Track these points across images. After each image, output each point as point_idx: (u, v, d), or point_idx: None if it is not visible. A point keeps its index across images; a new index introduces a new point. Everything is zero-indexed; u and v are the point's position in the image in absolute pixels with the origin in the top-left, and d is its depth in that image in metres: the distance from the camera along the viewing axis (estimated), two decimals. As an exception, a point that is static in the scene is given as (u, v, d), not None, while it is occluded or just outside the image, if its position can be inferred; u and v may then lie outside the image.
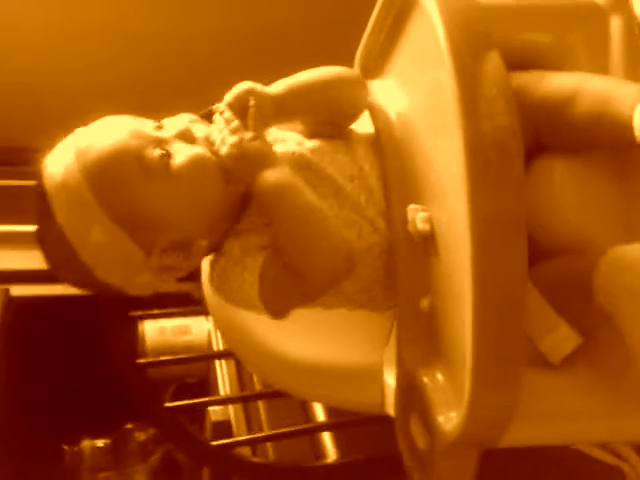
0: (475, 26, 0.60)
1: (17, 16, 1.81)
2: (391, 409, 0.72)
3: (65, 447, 1.70)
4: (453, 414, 0.59)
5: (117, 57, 1.93)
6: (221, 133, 0.67)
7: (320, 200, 0.67)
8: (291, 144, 0.72)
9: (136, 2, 1.87)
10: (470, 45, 0.58)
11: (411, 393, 0.65)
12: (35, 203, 0.68)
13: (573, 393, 0.66)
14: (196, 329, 1.65)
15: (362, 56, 0.80)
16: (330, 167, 0.70)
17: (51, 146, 0.70)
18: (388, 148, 0.69)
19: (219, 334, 1.46)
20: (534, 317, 0.64)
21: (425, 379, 0.63)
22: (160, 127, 0.69)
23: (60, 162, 0.67)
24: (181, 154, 0.67)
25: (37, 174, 0.68)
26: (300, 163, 0.70)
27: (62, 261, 0.68)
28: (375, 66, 0.78)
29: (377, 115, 0.72)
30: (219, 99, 0.70)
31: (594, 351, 0.65)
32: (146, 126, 0.69)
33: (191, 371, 1.67)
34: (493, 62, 0.57)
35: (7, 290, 1.63)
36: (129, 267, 0.68)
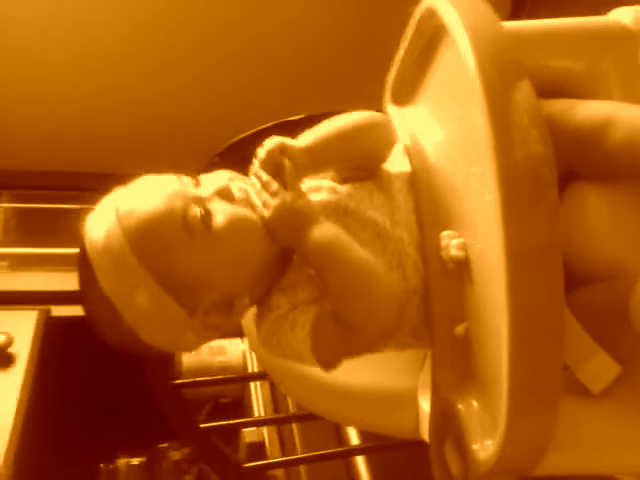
0: (505, 55, 0.60)
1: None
2: (425, 435, 0.72)
3: (101, 465, 1.72)
4: (488, 442, 0.59)
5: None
6: (261, 195, 0.68)
7: (364, 247, 0.67)
8: (325, 193, 0.72)
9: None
10: (501, 75, 0.58)
11: (446, 419, 0.65)
12: (78, 267, 0.68)
13: (611, 423, 0.65)
14: (231, 350, 1.66)
15: (394, 83, 0.81)
16: (369, 210, 0.70)
17: (91, 204, 0.70)
18: (421, 177, 0.69)
19: (254, 355, 1.47)
20: (572, 345, 0.63)
21: (460, 406, 0.63)
22: (198, 184, 0.70)
23: (102, 225, 0.67)
24: (222, 214, 0.67)
25: (79, 237, 0.68)
26: (337, 211, 0.70)
27: (105, 323, 0.68)
28: (406, 93, 0.79)
29: (410, 144, 0.72)
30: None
31: (633, 380, 0.64)
32: (185, 184, 0.69)
33: (226, 391, 1.69)
34: (524, 91, 0.57)
35: (48, 310, 1.67)
36: (173, 328, 0.68)
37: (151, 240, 0.65)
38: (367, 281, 0.65)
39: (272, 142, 0.68)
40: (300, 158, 0.68)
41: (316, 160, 0.69)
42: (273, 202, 0.67)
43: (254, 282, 0.70)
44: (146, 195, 0.67)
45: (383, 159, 0.75)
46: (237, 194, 0.70)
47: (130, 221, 0.66)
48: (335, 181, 0.75)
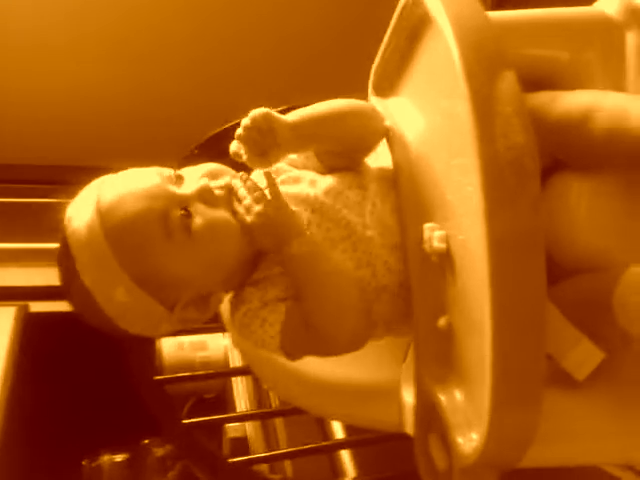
0: (489, 45, 0.59)
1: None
2: (409, 428, 0.72)
3: (84, 462, 1.70)
4: (473, 435, 0.59)
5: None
6: (245, 201, 0.68)
7: (334, 245, 0.69)
8: (305, 186, 0.72)
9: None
10: (484, 65, 0.58)
11: (429, 412, 0.65)
12: (59, 258, 0.69)
13: (595, 414, 0.65)
14: (213, 345, 1.65)
15: (376, 74, 0.80)
16: (344, 209, 0.70)
17: (73, 191, 0.70)
18: (403, 169, 0.69)
19: (236, 351, 1.46)
20: (555, 335, 0.63)
21: (443, 398, 0.63)
22: (180, 178, 0.70)
23: (83, 219, 0.67)
24: (201, 218, 0.67)
25: (60, 226, 0.69)
26: (313, 206, 0.71)
27: (86, 312, 0.70)
28: (389, 84, 0.78)
29: (392, 134, 0.72)
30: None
31: (616, 371, 0.64)
32: (166, 182, 0.69)
33: (208, 387, 1.68)
34: (508, 81, 0.57)
35: (26, 306, 1.65)
36: (151, 321, 0.70)
37: (130, 241, 0.66)
38: (340, 295, 0.67)
39: (258, 110, 0.67)
40: (284, 130, 0.67)
41: (301, 136, 0.69)
42: (256, 208, 0.67)
43: (230, 278, 0.72)
44: (128, 193, 0.67)
45: (369, 148, 0.74)
46: (218, 192, 0.69)
47: (110, 220, 0.66)
48: (318, 171, 0.75)
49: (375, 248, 0.69)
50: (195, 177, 0.70)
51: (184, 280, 0.69)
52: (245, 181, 0.69)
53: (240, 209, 0.68)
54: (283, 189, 0.71)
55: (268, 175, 0.69)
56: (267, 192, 0.69)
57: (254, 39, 1.99)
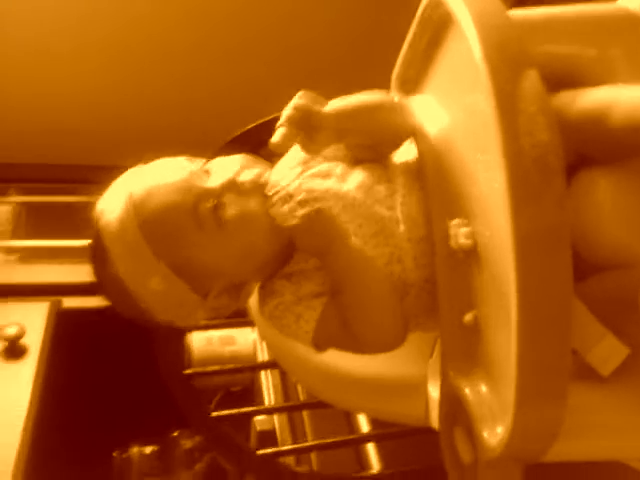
0: (513, 44, 0.59)
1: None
2: (435, 422, 0.72)
3: (114, 453, 1.73)
4: (498, 428, 0.59)
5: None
6: (288, 203, 0.68)
7: (366, 241, 0.68)
8: (335, 180, 0.72)
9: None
10: (508, 63, 0.58)
11: (455, 406, 0.65)
12: (92, 250, 0.71)
13: (620, 408, 0.65)
14: (242, 339, 1.67)
15: (399, 72, 0.80)
16: (376, 203, 0.70)
17: (103, 186, 0.72)
18: (428, 166, 0.69)
19: (264, 345, 1.48)
20: (581, 331, 0.63)
21: (469, 392, 0.63)
22: (209, 172, 0.70)
23: (115, 212, 0.68)
24: (231, 209, 0.68)
25: (92, 220, 0.70)
26: (345, 201, 0.70)
27: (121, 303, 0.71)
28: (412, 82, 0.79)
29: (417, 132, 0.72)
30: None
31: (641, 366, 0.64)
32: (197, 175, 0.69)
33: (236, 380, 1.70)
34: (531, 79, 0.57)
35: (59, 302, 1.68)
36: (184, 309, 0.71)
37: (164, 232, 0.67)
38: (380, 302, 0.68)
39: (301, 97, 0.67)
40: (330, 116, 0.67)
41: (342, 127, 0.69)
42: (299, 212, 0.67)
43: (263, 269, 0.72)
44: (158, 185, 0.68)
45: (398, 143, 0.74)
46: (248, 185, 0.70)
47: (142, 212, 0.67)
48: (346, 162, 0.75)
49: (404, 242, 0.69)
50: (225, 169, 0.70)
51: (217, 270, 0.69)
52: (286, 185, 0.69)
53: (283, 210, 0.69)
54: (315, 183, 0.71)
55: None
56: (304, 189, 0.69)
57: (277, 38, 1.99)
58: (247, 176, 0.71)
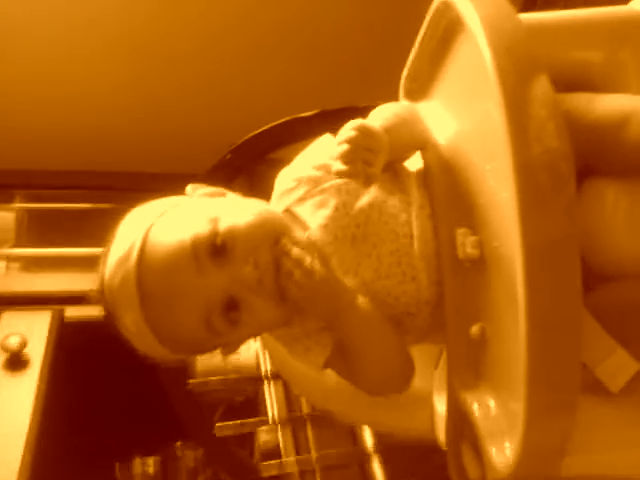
0: (522, 48, 0.58)
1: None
2: (441, 436, 0.71)
3: (116, 464, 1.73)
4: (506, 444, 0.58)
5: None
6: (295, 269, 0.64)
7: (381, 260, 0.68)
8: (347, 197, 0.69)
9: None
10: (517, 69, 0.57)
11: (462, 421, 0.64)
12: (102, 303, 0.68)
13: (630, 423, 0.63)
14: (245, 350, 1.66)
15: (407, 78, 0.79)
16: (390, 219, 0.69)
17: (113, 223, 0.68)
18: (436, 174, 0.68)
19: (267, 356, 1.47)
20: (590, 344, 0.62)
21: (476, 407, 0.62)
22: (224, 248, 0.64)
23: (120, 271, 0.64)
24: (245, 311, 0.65)
25: (100, 266, 0.67)
26: (358, 220, 0.69)
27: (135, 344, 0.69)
28: (420, 88, 0.78)
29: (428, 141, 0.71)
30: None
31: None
32: (204, 266, 0.63)
33: (239, 391, 1.69)
34: (541, 85, 0.56)
35: (62, 311, 1.68)
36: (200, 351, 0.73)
37: (172, 333, 0.66)
38: (386, 363, 0.69)
39: (353, 127, 0.64)
40: (383, 135, 0.65)
41: (391, 145, 0.67)
42: (307, 282, 0.64)
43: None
44: (167, 289, 0.64)
45: (413, 152, 0.73)
46: (264, 264, 0.65)
47: (150, 314, 0.64)
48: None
49: (417, 260, 0.68)
50: (247, 248, 0.64)
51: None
52: (292, 252, 0.65)
53: (295, 278, 0.64)
54: (326, 199, 0.70)
55: (312, 246, 0.67)
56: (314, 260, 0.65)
57: (282, 44, 2.00)
58: (263, 257, 0.65)
